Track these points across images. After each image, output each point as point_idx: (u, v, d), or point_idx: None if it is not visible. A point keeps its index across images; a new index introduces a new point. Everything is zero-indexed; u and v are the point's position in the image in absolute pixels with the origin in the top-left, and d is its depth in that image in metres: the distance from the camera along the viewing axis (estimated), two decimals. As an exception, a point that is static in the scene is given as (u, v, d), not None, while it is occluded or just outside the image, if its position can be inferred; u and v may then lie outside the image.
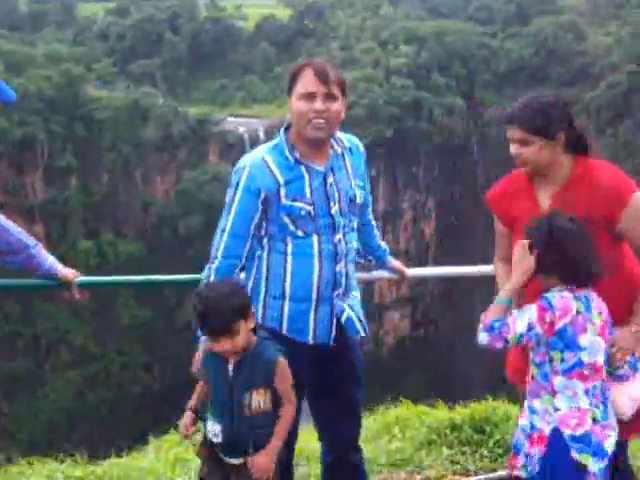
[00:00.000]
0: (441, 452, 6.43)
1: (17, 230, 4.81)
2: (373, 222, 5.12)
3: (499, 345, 4.20)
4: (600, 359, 4.14)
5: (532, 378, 4.29)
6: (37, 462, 6.39)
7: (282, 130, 4.56)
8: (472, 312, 64.17)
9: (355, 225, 4.72)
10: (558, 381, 4.15)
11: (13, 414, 55.32)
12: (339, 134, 4.70)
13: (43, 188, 61.22)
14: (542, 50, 68.85)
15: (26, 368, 57.08)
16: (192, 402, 4.45)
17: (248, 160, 4.50)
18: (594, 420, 4.12)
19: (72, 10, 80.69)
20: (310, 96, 4.40)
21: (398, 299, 65.17)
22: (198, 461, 5.81)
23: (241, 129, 64.82)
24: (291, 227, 4.46)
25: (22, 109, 58.66)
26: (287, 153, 4.49)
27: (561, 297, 4.12)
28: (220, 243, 4.51)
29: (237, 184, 4.47)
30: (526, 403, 4.36)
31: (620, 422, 4.31)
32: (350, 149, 4.75)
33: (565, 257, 4.14)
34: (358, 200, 4.68)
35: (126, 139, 62.52)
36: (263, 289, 4.54)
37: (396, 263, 5.38)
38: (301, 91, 4.41)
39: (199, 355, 4.44)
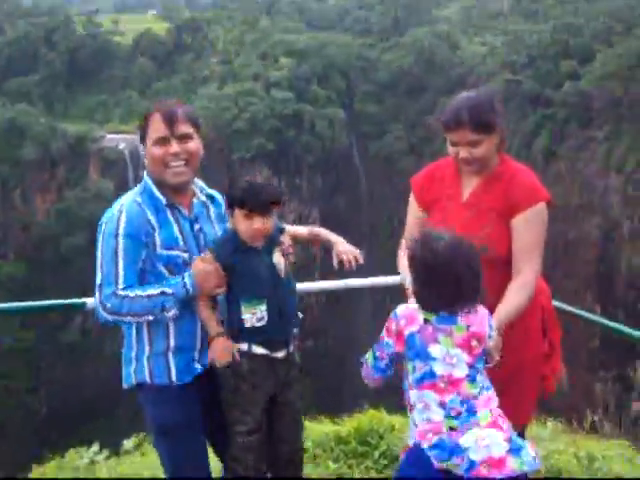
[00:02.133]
0: (327, 466, 6.39)
1: None
2: None
3: (367, 372, 4.21)
4: (458, 372, 3.95)
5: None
6: None
7: (145, 174, 4.44)
8: (361, 320, 64.76)
9: None
10: (413, 393, 4.04)
11: None
12: (200, 183, 4.63)
13: None
14: (420, 60, 69.88)
15: None
16: (216, 329, 4.35)
17: (123, 205, 4.31)
18: (451, 428, 3.93)
19: (-56, 29, 78.95)
20: (163, 140, 4.31)
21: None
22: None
23: (121, 145, 64.18)
24: (168, 276, 4.32)
25: None
26: (158, 194, 4.37)
27: (406, 307, 4.08)
28: (115, 281, 4.21)
29: (116, 232, 4.22)
30: None
31: (515, 409, 4.28)
32: (212, 197, 4.65)
33: (415, 279, 4.07)
34: None
35: (3, 158, 61.25)
36: (147, 347, 4.39)
37: None
38: (153, 136, 4.31)
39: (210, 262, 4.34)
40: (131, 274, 4.21)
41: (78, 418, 54.14)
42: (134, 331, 4.40)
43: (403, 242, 4.81)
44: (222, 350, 4.31)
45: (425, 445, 3.97)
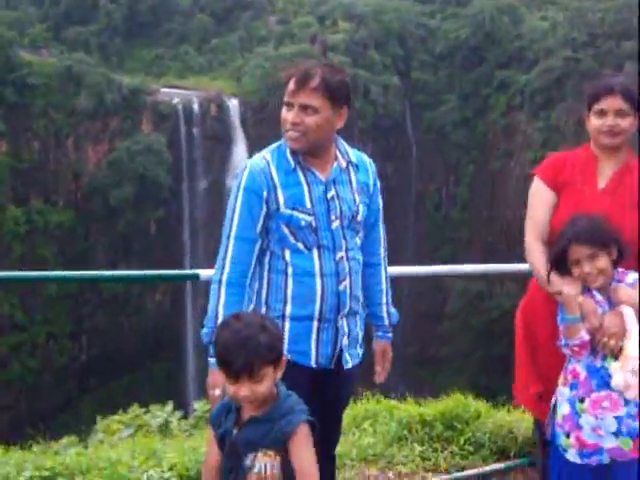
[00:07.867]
0: (412, 448, 6.38)
1: None
2: (382, 258, 4.72)
3: None
4: None
5: None
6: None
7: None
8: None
9: (359, 242, 4.51)
10: None
11: None
12: (347, 148, 4.54)
13: (-30, 153, 60.00)
14: (479, 32, 69.04)
15: (-50, 336, 56.21)
16: None
17: (250, 160, 4.33)
18: None
19: (4, -27, 79.09)
20: (287, 105, 4.27)
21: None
22: (170, 453, 5.65)
23: (175, 100, 64.08)
24: (291, 239, 4.27)
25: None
26: (288, 155, 4.30)
27: None
28: (227, 250, 4.25)
29: (238, 186, 4.26)
30: None
31: None
32: (357, 165, 4.54)
33: None
34: (359, 217, 4.46)
35: (58, 106, 61.44)
36: (263, 308, 4.33)
37: (382, 346, 4.72)
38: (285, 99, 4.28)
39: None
40: (248, 227, 4.24)
41: (115, 366, 54.90)
42: (254, 290, 4.36)
43: (531, 240, 4.83)
44: None
45: None
